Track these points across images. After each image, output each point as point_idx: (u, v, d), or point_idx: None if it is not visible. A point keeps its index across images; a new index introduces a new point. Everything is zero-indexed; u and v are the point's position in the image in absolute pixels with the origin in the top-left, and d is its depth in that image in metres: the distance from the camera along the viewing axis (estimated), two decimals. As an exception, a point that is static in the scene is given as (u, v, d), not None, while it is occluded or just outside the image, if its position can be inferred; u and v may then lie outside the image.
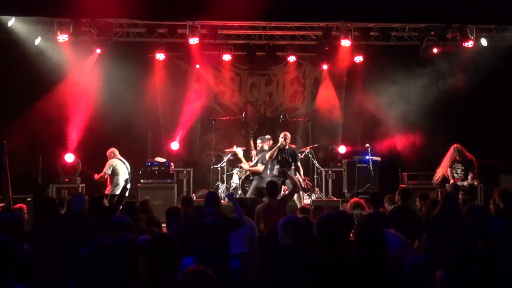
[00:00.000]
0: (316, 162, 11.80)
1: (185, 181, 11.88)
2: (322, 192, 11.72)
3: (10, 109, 11.21)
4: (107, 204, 7.41)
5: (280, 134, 10.32)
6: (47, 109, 11.22)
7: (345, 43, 11.32)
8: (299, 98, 13.52)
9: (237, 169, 11.34)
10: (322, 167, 11.99)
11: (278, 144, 10.02)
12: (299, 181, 9.75)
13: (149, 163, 11.35)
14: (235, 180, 11.37)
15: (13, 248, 3.42)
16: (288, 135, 10.10)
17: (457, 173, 10.42)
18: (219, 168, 11.61)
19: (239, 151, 11.04)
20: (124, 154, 10.61)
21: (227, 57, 12.25)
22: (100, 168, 10.31)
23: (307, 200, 10.52)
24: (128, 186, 8.42)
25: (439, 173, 10.57)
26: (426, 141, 12.19)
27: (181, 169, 11.90)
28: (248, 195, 9.86)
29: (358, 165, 11.69)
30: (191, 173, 12.04)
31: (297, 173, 10.04)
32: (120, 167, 10.21)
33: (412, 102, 11.86)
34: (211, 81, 13.17)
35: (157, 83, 12.61)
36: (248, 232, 5.83)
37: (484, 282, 4.04)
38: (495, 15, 10.04)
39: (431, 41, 11.48)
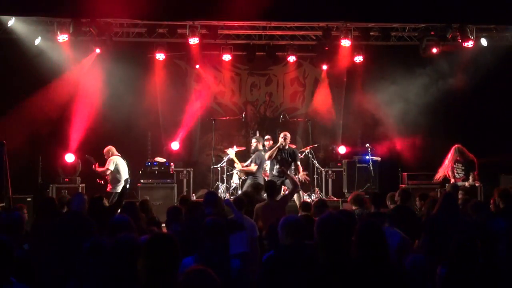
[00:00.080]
0: (316, 162, 11.79)
1: (185, 181, 11.87)
2: (322, 192, 11.73)
3: (10, 109, 11.20)
4: (107, 204, 7.40)
5: (280, 134, 10.33)
6: (47, 109, 11.25)
7: (345, 43, 11.32)
8: (299, 98, 13.52)
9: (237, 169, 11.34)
10: (322, 167, 11.99)
11: (278, 144, 10.01)
12: (299, 178, 9.75)
13: (149, 163, 11.35)
14: (235, 180, 11.36)
15: (12, 248, 3.40)
16: (288, 135, 10.11)
17: (458, 174, 10.41)
18: (219, 168, 11.61)
19: (231, 152, 10.98)
20: (124, 154, 10.63)
21: (227, 57, 12.25)
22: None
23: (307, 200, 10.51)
24: (128, 186, 8.41)
25: (440, 173, 10.57)
26: (426, 141, 12.17)
27: (181, 169, 11.90)
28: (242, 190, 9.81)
29: (358, 165, 11.72)
30: (191, 173, 12.03)
31: (296, 173, 10.04)
32: (121, 165, 10.24)
33: (412, 102, 11.87)
34: (211, 81, 13.16)
35: (157, 83, 12.61)
36: (248, 232, 5.83)
37: (484, 281, 4.04)
38: (495, 15, 10.04)
39: (431, 41, 11.48)
